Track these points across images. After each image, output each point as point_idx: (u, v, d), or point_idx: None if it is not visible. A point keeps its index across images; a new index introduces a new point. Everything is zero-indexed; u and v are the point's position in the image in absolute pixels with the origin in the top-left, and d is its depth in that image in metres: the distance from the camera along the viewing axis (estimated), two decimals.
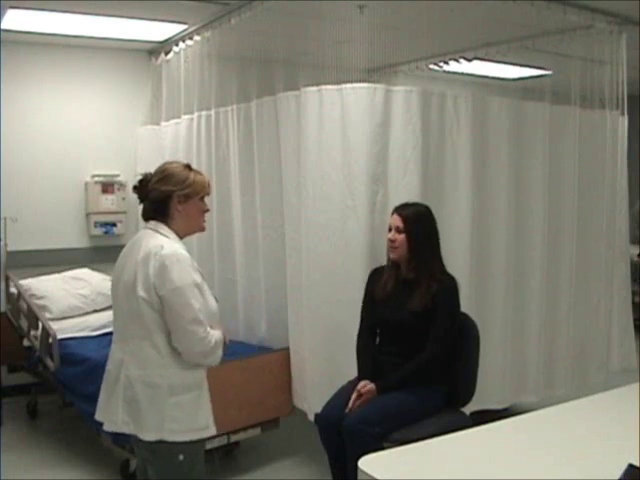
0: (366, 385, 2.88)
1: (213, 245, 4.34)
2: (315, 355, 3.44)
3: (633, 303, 4.54)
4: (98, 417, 2.36)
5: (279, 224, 3.72)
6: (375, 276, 3.15)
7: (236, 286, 4.17)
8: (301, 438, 3.93)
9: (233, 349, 3.85)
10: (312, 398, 3.44)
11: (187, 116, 4.57)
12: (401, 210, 3.04)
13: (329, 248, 3.38)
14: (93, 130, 5.13)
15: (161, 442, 2.19)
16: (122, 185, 5.12)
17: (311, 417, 3.43)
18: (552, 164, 3.92)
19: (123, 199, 5.12)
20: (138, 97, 5.23)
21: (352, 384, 3.01)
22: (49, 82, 4.99)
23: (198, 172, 2.39)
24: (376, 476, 1.73)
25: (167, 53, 4.98)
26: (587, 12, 4.19)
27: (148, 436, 2.21)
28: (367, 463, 1.81)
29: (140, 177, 2.37)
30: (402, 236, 2.98)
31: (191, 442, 2.24)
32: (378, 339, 3.13)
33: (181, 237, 2.34)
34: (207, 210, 2.41)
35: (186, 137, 4.58)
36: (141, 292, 2.18)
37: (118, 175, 5.13)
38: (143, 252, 2.22)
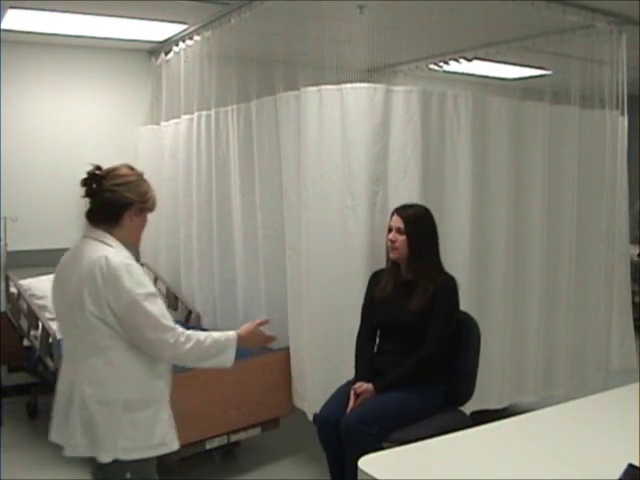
0: (362, 385, 2.89)
1: (213, 245, 4.34)
2: (315, 355, 3.44)
3: (633, 303, 4.54)
4: (54, 439, 2.22)
5: (279, 224, 3.72)
6: (376, 278, 3.16)
7: (236, 286, 4.17)
8: (301, 438, 3.92)
9: None
10: (312, 398, 3.44)
11: (187, 116, 4.57)
12: (402, 211, 3.05)
13: (329, 248, 3.38)
14: (93, 130, 5.13)
15: (116, 461, 2.10)
16: None
17: (311, 417, 3.43)
18: (552, 164, 3.92)
19: None
20: (138, 97, 5.23)
21: (351, 384, 3.01)
22: (49, 82, 4.99)
23: (149, 184, 2.28)
24: (376, 476, 1.73)
25: (167, 53, 4.98)
26: (587, 12, 4.19)
27: (104, 457, 2.11)
28: (367, 463, 1.81)
29: (91, 170, 2.19)
30: (402, 237, 2.99)
31: (141, 459, 2.15)
32: (378, 340, 3.13)
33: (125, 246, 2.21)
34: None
35: (186, 137, 4.58)
36: (91, 307, 2.05)
37: None
38: (87, 264, 2.08)
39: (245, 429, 3.53)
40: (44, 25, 4.47)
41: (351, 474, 2.41)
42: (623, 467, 1.67)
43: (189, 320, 4.53)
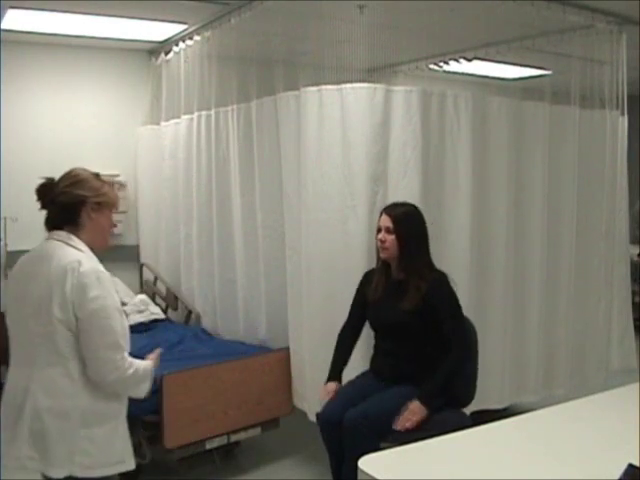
0: (414, 409, 2.79)
1: (213, 245, 4.34)
2: (315, 355, 3.44)
3: (633, 303, 4.55)
4: None
5: (279, 224, 3.72)
6: (367, 278, 3.15)
7: (236, 286, 4.17)
8: (301, 438, 3.92)
9: (233, 349, 3.88)
10: (312, 398, 3.44)
11: (187, 116, 4.57)
12: (390, 210, 3.02)
13: (329, 248, 3.38)
14: (93, 130, 5.12)
15: (70, 478, 2.01)
16: (122, 185, 5.11)
17: (311, 417, 3.43)
18: (552, 164, 3.92)
19: (123, 199, 5.11)
20: (138, 97, 5.23)
21: (352, 384, 3.01)
22: (49, 82, 4.99)
23: (109, 184, 2.24)
24: (376, 476, 1.73)
25: (167, 53, 4.98)
26: (587, 12, 4.19)
27: (56, 472, 1.99)
28: (367, 463, 1.81)
29: (43, 181, 2.16)
30: (392, 236, 2.95)
31: (102, 478, 2.06)
32: (374, 340, 3.13)
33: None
34: (115, 225, 2.27)
35: (186, 137, 4.59)
36: (57, 312, 1.97)
37: (118, 175, 5.13)
38: (57, 268, 2.01)
39: (245, 429, 3.54)
40: (44, 25, 4.46)
41: (350, 473, 2.41)
42: (623, 467, 1.67)
43: (189, 320, 4.53)
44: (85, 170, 2.21)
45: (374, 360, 3.09)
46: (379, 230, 3.02)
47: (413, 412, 2.76)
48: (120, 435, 2.14)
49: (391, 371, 2.99)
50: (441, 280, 2.97)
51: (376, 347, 3.11)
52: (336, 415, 2.86)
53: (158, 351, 2.32)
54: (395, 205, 3.06)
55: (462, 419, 2.92)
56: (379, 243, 3.01)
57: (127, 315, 2.23)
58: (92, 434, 2.04)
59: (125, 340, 2.08)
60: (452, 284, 2.97)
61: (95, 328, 2.00)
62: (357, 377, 3.11)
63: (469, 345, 3.00)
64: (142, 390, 2.16)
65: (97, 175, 2.22)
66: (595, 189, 4.15)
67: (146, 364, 2.17)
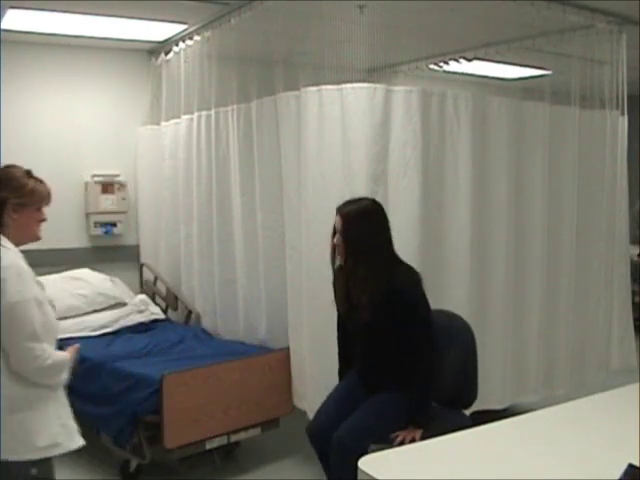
0: (411, 435, 2.68)
1: (213, 245, 4.35)
2: (315, 355, 3.44)
3: (633, 303, 4.54)
4: None
5: (279, 224, 3.72)
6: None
7: (236, 286, 4.17)
8: (301, 438, 3.90)
9: (233, 349, 3.88)
10: (312, 398, 3.43)
11: (187, 116, 4.57)
12: (341, 209, 2.79)
13: (329, 248, 3.38)
14: (93, 130, 5.12)
15: (2, 463, 2.05)
16: (122, 185, 5.11)
17: (311, 416, 3.43)
18: (552, 164, 3.92)
19: (123, 199, 5.11)
20: (138, 97, 5.23)
21: (338, 391, 2.96)
22: (49, 82, 4.98)
23: (40, 181, 2.23)
24: (376, 476, 1.73)
25: (167, 53, 4.98)
26: (587, 12, 4.19)
27: None
28: (367, 463, 1.80)
29: None
30: (341, 238, 2.76)
31: (35, 461, 2.12)
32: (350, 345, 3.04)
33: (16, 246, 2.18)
34: (44, 220, 2.31)
35: (186, 137, 4.59)
36: None
37: (118, 175, 5.13)
38: None
39: (245, 429, 3.53)
40: (44, 25, 4.46)
41: None
42: (623, 467, 1.67)
43: (189, 320, 4.53)
44: (13, 167, 2.26)
45: (354, 364, 3.01)
46: (334, 233, 2.80)
47: (411, 435, 2.67)
48: (52, 418, 2.16)
49: (365, 375, 2.90)
50: (405, 280, 2.74)
51: (352, 351, 3.01)
52: (326, 429, 2.77)
53: (77, 346, 2.35)
54: (348, 202, 2.81)
55: (462, 420, 2.92)
56: (335, 247, 2.80)
57: (54, 307, 2.26)
58: (21, 419, 2.08)
59: (46, 331, 2.13)
60: (420, 283, 2.75)
61: (13, 320, 2.06)
62: (344, 380, 3.04)
63: (436, 347, 2.77)
64: (60, 380, 2.20)
65: (27, 172, 2.26)
66: (595, 189, 4.16)
67: (64, 355, 2.22)
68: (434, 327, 2.79)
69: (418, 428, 2.69)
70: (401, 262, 2.82)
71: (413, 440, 2.61)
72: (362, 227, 2.73)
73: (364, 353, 2.90)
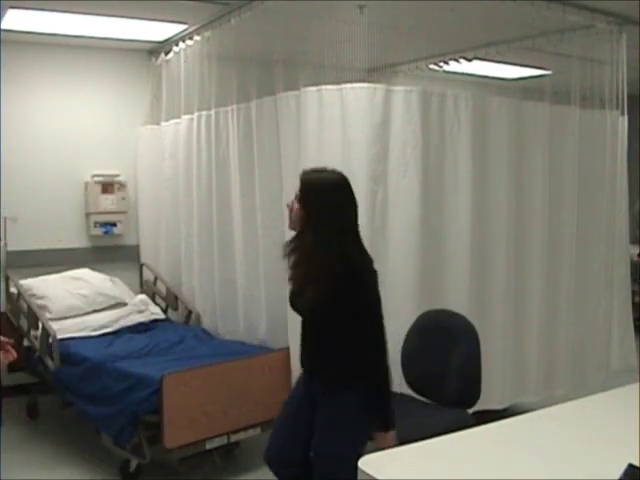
0: (384, 441, 2.36)
1: (213, 245, 4.35)
2: None
3: (633, 303, 4.54)
4: None
5: (279, 224, 3.72)
6: None
7: (236, 286, 4.17)
8: None
9: (233, 349, 3.88)
10: None
11: (187, 116, 4.57)
12: (303, 174, 2.49)
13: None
14: (93, 130, 5.12)
15: None
16: (122, 185, 5.12)
17: None
18: (552, 164, 3.92)
19: (123, 199, 5.12)
20: (138, 97, 5.23)
21: (288, 409, 2.64)
22: (49, 82, 4.99)
23: None
24: (376, 476, 1.73)
25: (167, 53, 4.98)
26: (587, 12, 4.19)
27: None
28: (367, 463, 1.80)
29: None
30: (298, 206, 2.43)
31: None
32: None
33: None
34: None
35: (186, 137, 4.59)
36: None
37: (118, 175, 5.13)
38: None
39: (245, 429, 3.53)
40: (44, 25, 4.46)
41: None
42: (623, 467, 1.67)
43: (189, 320, 4.53)
44: None
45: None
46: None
47: (384, 443, 2.31)
48: None
49: (310, 363, 2.56)
50: (359, 266, 2.40)
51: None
52: (285, 456, 2.57)
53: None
54: (315, 170, 2.51)
55: (464, 419, 2.92)
56: (287, 210, 2.51)
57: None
58: None
59: None
60: (374, 274, 2.42)
61: None
62: (290, 395, 2.72)
63: (383, 346, 2.43)
64: None
65: None
66: (595, 189, 4.16)
67: None
68: (382, 321, 2.44)
69: (387, 431, 2.39)
70: (362, 248, 2.46)
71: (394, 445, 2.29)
72: (321, 199, 2.41)
73: (307, 339, 2.55)
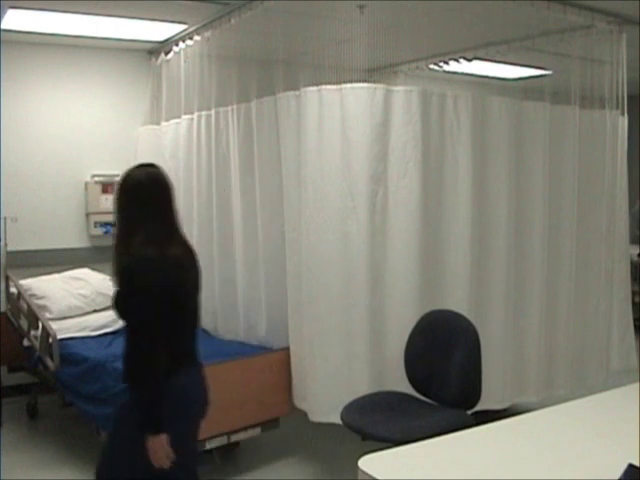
0: (152, 447, 2.16)
1: (213, 245, 4.34)
2: (315, 355, 3.44)
3: (633, 303, 4.54)
4: None
5: (279, 224, 3.72)
6: None
7: (236, 286, 4.17)
8: (301, 438, 3.93)
9: (233, 349, 3.88)
10: (312, 398, 3.44)
11: (187, 116, 4.57)
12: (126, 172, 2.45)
13: (329, 248, 3.38)
14: (93, 130, 5.13)
15: None
16: None
17: (311, 417, 3.44)
18: (552, 164, 3.92)
19: None
20: (138, 97, 5.23)
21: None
22: (49, 82, 4.99)
23: None
24: (376, 476, 1.73)
25: (167, 53, 4.98)
26: (587, 12, 4.20)
27: None
28: (367, 463, 1.80)
29: None
30: None
31: None
32: None
33: None
34: None
35: (186, 137, 4.58)
36: None
37: (118, 175, 5.08)
38: None
39: (245, 429, 3.53)
40: (44, 25, 4.46)
41: None
42: (623, 467, 1.67)
43: None
44: None
45: None
46: None
47: (154, 450, 2.15)
48: None
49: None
50: (133, 263, 2.22)
51: None
52: None
53: None
54: (140, 166, 2.53)
55: (465, 419, 2.92)
56: None
57: None
58: None
59: None
60: (151, 274, 2.21)
61: None
62: None
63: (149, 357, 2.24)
64: None
65: None
66: (595, 189, 4.15)
67: None
68: (153, 328, 2.25)
69: (149, 434, 2.15)
70: (160, 251, 2.24)
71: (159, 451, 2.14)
72: (120, 199, 2.38)
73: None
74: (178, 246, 2.34)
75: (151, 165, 2.51)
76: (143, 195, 2.36)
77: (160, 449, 2.15)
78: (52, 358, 3.79)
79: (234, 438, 3.51)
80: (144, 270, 2.21)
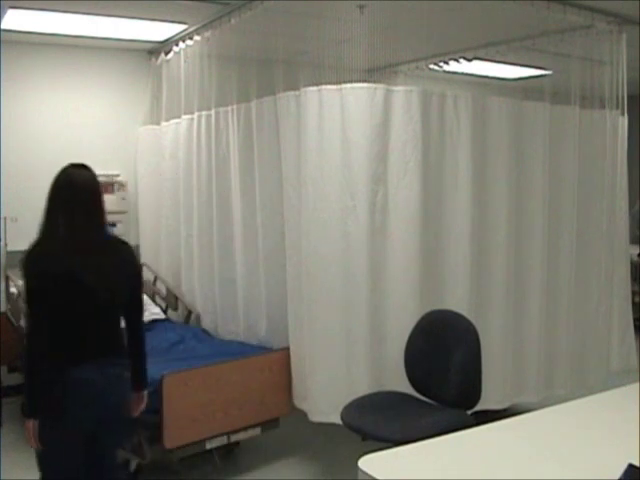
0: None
1: (213, 245, 4.34)
2: (315, 355, 3.44)
3: (633, 303, 4.54)
4: None
5: (279, 224, 3.72)
6: None
7: (236, 286, 4.17)
8: (301, 438, 3.93)
9: (233, 349, 3.88)
10: (312, 398, 3.44)
11: (187, 116, 4.57)
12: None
13: (329, 248, 3.38)
14: (93, 130, 5.13)
15: None
16: (122, 185, 5.12)
17: (311, 417, 3.44)
18: (552, 164, 3.92)
19: (123, 199, 5.12)
20: (138, 97, 5.23)
21: None
22: (49, 82, 4.99)
23: None
24: (376, 476, 1.73)
25: (167, 53, 4.98)
26: (587, 12, 4.20)
27: None
28: (367, 463, 1.80)
29: None
30: None
31: None
32: None
33: None
34: None
35: (186, 137, 4.59)
36: None
37: (118, 175, 5.13)
38: None
39: (245, 429, 3.53)
40: (44, 25, 4.47)
41: None
42: (623, 467, 1.67)
43: (189, 320, 4.53)
44: None
45: None
46: None
47: (27, 430, 2.26)
48: None
49: None
50: (23, 258, 2.50)
51: None
52: None
53: None
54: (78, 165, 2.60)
55: (463, 419, 2.92)
56: None
57: None
58: None
59: None
60: (30, 271, 2.46)
61: None
62: None
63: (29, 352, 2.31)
64: None
65: None
66: (595, 189, 4.15)
67: None
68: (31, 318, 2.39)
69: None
70: (45, 248, 2.47)
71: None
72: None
73: None
74: (71, 246, 2.44)
75: (82, 166, 2.64)
76: (53, 194, 2.48)
77: (27, 432, 2.26)
78: None
79: (234, 438, 3.51)
80: (26, 262, 2.47)
